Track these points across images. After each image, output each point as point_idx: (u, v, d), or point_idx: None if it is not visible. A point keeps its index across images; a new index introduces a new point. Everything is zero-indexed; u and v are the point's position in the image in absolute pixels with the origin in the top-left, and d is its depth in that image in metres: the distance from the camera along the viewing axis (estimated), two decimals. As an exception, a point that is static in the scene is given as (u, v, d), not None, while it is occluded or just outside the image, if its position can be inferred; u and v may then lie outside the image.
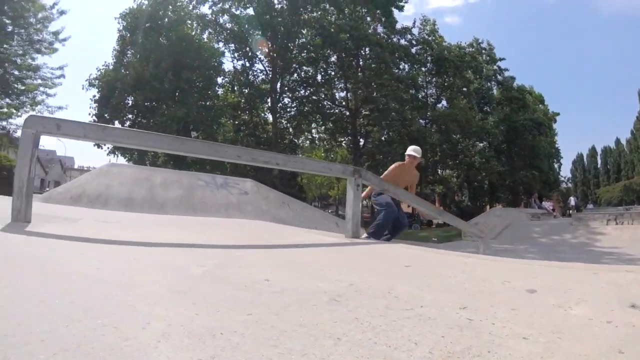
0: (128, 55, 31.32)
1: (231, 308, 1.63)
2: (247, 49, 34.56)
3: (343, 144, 39.42)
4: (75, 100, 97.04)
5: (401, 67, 37.48)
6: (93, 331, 1.35)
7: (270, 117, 36.38)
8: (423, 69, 39.95)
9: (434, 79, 40.62)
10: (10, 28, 26.43)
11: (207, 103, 31.70)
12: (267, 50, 32.12)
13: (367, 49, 35.66)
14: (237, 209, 8.74)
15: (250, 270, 2.35)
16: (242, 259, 2.74)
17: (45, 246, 2.63)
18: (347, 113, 37.05)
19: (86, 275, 2.01)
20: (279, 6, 33.78)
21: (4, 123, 28.09)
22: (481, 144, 43.94)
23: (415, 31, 39.00)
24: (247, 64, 35.77)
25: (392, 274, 2.48)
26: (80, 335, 1.31)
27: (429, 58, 39.33)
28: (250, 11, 33.68)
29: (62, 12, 27.74)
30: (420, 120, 38.23)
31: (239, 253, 2.90)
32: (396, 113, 34.76)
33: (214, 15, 33.89)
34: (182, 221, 6.11)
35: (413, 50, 38.18)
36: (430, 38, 39.64)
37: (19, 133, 27.83)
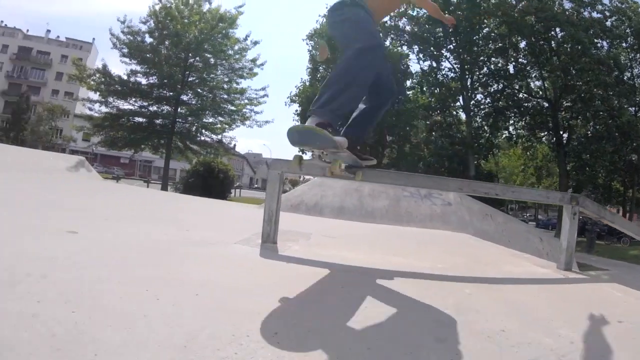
0: (320, 70, 34.24)
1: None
2: (431, 48, 34.45)
3: (544, 140, 35.71)
4: (279, 113, 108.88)
5: (599, 45, 32.03)
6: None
7: (463, 116, 35.58)
8: (623, 44, 33.32)
9: (638, 55, 33.62)
10: (213, 61, 32.00)
11: (400, 107, 32.62)
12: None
13: (557, 30, 31.70)
14: (441, 220, 8.95)
15: (485, 317, 2.47)
16: (472, 299, 2.88)
17: (328, 281, 2.87)
18: (546, 105, 33.41)
19: (377, 320, 2.16)
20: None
21: (219, 136, 33.91)
22: None
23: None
24: (434, 64, 35.46)
25: (606, 333, 2.44)
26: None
27: (627, 31, 32.64)
28: (427, 10, 33.61)
29: (255, 42, 32.48)
30: (630, 109, 32.17)
31: (467, 290, 3.07)
32: (601, 101, 30.21)
33: (392, 21, 34.60)
34: (396, 233, 6.45)
35: (608, 23, 32.15)
36: (623, 6, 32.55)
37: (232, 144, 33.45)
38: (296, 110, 34.62)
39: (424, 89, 36.05)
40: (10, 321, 1.47)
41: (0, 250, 2.39)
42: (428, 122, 36.04)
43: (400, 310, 2.39)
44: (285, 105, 35.15)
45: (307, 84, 34.92)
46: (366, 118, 3.72)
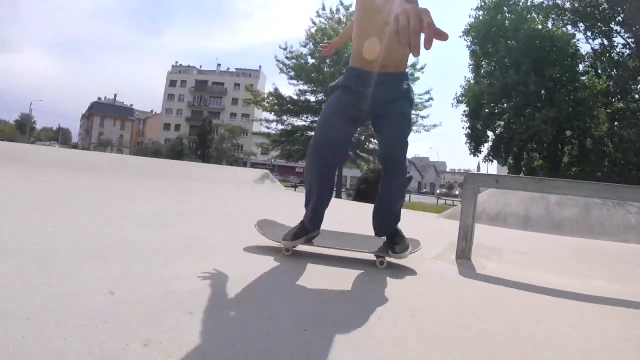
0: (483, 65, 33.37)
1: None
2: (599, 24, 30.21)
3: None
4: (447, 115, 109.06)
5: None
6: None
7: (654, 101, 29.85)
8: None
9: None
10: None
11: (577, 95, 29.47)
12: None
13: None
14: (635, 232, 7.88)
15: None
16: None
17: (535, 309, 2.59)
18: None
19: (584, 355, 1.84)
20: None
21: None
22: None
23: None
24: (605, 42, 30.98)
25: None
26: None
27: None
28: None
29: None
30: None
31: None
32: None
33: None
34: (589, 249, 5.83)
35: None
36: None
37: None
38: (464, 111, 33.22)
39: (599, 71, 31.32)
40: (248, 338, 1.49)
41: (223, 269, 2.38)
42: (609, 111, 30.55)
43: (604, 342, 2.10)
44: (452, 106, 34.25)
45: (472, 81, 33.43)
46: (383, 198, 3.26)
